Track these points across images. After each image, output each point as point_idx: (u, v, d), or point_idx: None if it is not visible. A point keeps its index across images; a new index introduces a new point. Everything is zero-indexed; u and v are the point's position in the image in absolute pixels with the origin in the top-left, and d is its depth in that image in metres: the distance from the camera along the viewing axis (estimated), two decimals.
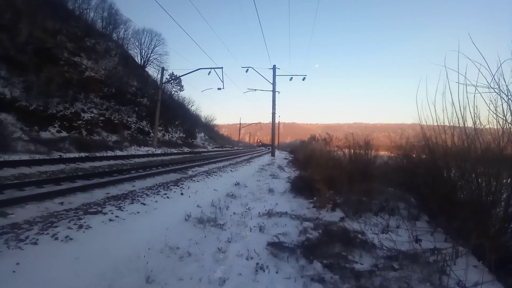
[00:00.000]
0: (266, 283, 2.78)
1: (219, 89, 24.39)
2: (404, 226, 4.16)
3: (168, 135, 33.57)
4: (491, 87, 3.35)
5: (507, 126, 3.35)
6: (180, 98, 45.81)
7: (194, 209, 5.16)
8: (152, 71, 39.90)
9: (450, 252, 3.06)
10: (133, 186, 7.04)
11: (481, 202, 3.41)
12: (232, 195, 6.97)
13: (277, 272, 3.01)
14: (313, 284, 2.73)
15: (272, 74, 25.83)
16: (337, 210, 5.56)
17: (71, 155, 12.59)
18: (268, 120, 28.94)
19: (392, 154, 7.82)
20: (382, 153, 8.90)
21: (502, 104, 3.36)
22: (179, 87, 44.67)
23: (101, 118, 21.87)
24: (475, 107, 3.62)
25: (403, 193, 5.97)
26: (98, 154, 14.29)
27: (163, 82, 29.76)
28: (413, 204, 5.44)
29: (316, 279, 2.78)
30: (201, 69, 23.83)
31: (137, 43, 38.36)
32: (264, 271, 3.04)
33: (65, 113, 18.32)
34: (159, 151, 21.41)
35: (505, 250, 3.02)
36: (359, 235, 3.77)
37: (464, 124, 3.85)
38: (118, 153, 16.77)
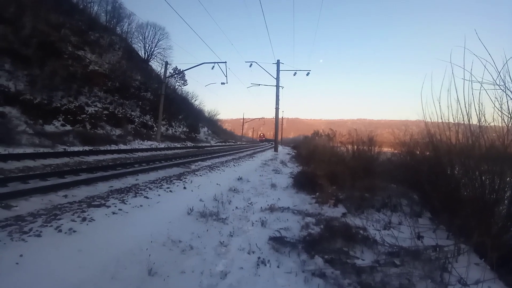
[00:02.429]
0: (267, 277, 2.80)
1: (222, 83, 24.42)
2: (406, 223, 4.15)
3: (172, 130, 33.64)
4: (497, 84, 3.31)
5: None
6: (183, 92, 45.81)
7: (197, 203, 5.18)
8: (155, 65, 39.77)
9: (452, 249, 3.05)
10: (136, 180, 7.08)
11: (484, 200, 3.39)
12: (234, 190, 6.98)
13: (278, 267, 3.02)
14: (314, 279, 2.74)
15: (276, 69, 25.75)
16: (339, 206, 5.56)
17: (75, 149, 12.67)
18: (272, 115, 28.87)
19: (396, 151, 7.79)
20: (385, 149, 8.86)
21: (507, 101, 3.32)
22: (182, 82, 44.59)
23: (105, 112, 21.93)
24: (480, 104, 3.58)
25: (405, 190, 5.96)
26: (102, 148, 14.37)
27: (167, 76, 29.78)
28: (415, 201, 5.43)
29: (317, 274, 2.79)
30: (204, 64, 23.81)
31: (141, 37, 38.12)
32: (265, 265, 3.05)
33: (69, 106, 18.37)
34: (162, 145, 21.48)
35: (507, 248, 3.01)
36: (361, 231, 3.77)
37: (469, 121, 3.82)
38: (122, 147, 16.85)
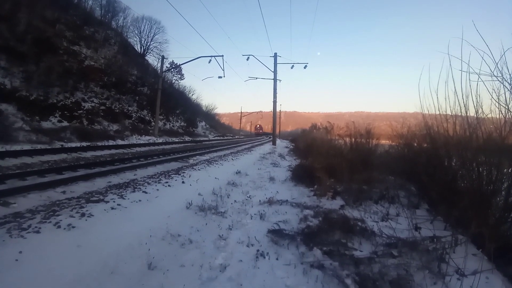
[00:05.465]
0: (266, 270, 2.82)
1: (220, 77, 24.25)
2: (404, 214, 4.18)
3: (169, 124, 33.56)
4: (494, 76, 3.29)
5: (510, 115, 3.32)
6: (180, 87, 45.54)
7: (196, 197, 5.19)
8: (152, 59, 39.48)
9: (449, 240, 3.08)
10: (134, 175, 7.07)
11: (482, 191, 3.40)
12: (233, 183, 7.00)
13: (277, 259, 3.05)
14: (312, 270, 2.76)
15: (273, 62, 25.60)
16: (338, 198, 5.59)
17: (73, 145, 12.62)
18: (270, 108, 28.80)
19: (394, 143, 7.80)
20: (383, 142, 8.87)
21: (505, 93, 3.30)
22: (179, 76, 44.28)
23: (102, 107, 21.82)
24: (478, 96, 3.57)
25: (403, 182, 5.99)
26: (99, 144, 14.34)
27: (164, 70, 29.56)
28: (413, 193, 5.46)
29: (316, 266, 2.81)
30: (201, 57, 23.61)
31: (136, 31, 37.75)
32: (264, 257, 3.07)
33: (66, 102, 18.27)
34: (160, 140, 21.43)
35: (504, 239, 3.02)
36: (359, 223, 3.79)
37: (466, 113, 3.81)
38: (119, 142, 16.80)
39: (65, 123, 16.61)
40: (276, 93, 25.74)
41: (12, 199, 4.39)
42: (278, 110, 31.51)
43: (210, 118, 58.80)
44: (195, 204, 4.76)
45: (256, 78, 27.72)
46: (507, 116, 3.34)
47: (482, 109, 3.60)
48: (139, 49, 38.31)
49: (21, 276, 2.29)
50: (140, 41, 38.35)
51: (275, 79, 25.63)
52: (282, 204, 5.28)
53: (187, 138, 29.60)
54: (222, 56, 22.97)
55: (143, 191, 5.00)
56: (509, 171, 3.39)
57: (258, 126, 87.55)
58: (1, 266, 2.34)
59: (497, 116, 3.52)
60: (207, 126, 50.30)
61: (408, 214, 3.99)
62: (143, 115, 27.99)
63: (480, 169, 3.55)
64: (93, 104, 20.95)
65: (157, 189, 5.30)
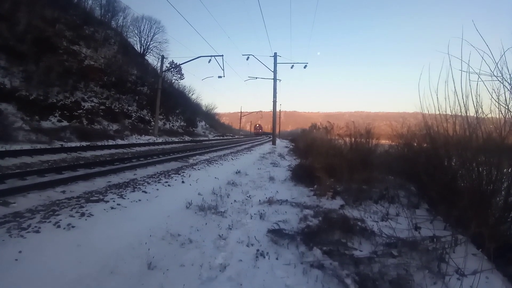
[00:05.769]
0: (266, 269, 2.82)
1: (219, 77, 24.27)
2: (403, 214, 4.18)
3: (169, 124, 33.55)
4: (494, 75, 3.29)
5: (510, 115, 3.32)
6: (180, 86, 45.50)
7: (195, 197, 5.19)
8: (152, 59, 39.46)
9: (449, 240, 3.08)
10: (134, 175, 7.07)
11: (482, 191, 3.40)
12: (233, 183, 6.99)
13: (277, 259, 3.05)
14: (312, 270, 2.76)
15: (273, 62, 25.61)
16: (337, 198, 5.59)
17: (73, 144, 12.61)
18: (269, 108, 28.79)
19: (393, 143, 7.80)
20: (383, 141, 8.87)
21: (504, 92, 3.30)
22: (179, 76, 44.25)
23: (102, 107, 21.80)
24: (478, 96, 3.56)
25: (403, 182, 5.98)
26: (99, 143, 14.33)
27: (163, 70, 29.55)
28: (413, 192, 5.46)
29: (316, 266, 2.81)
30: (201, 57, 23.61)
31: (136, 31, 37.71)
32: (264, 257, 3.07)
33: (66, 102, 18.25)
34: (160, 140, 21.42)
35: (504, 239, 3.02)
36: (359, 223, 3.79)
37: (466, 112, 3.81)
38: (119, 142, 16.78)
39: (64, 123, 16.61)
40: (276, 93, 25.75)
41: (11, 198, 4.38)
42: (278, 109, 31.55)
43: (210, 117, 58.79)
44: (195, 203, 4.76)
45: (256, 78, 27.75)
46: (507, 116, 3.34)
47: (482, 109, 3.60)
48: (139, 49, 38.30)
49: (21, 276, 2.29)
50: (140, 40, 38.37)
51: (275, 79, 25.64)
52: (282, 204, 5.28)
53: (187, 138, 29.61)
54: (222, 56, 23.03)
55: (143, 191, 5.00)
56: (509, 171, 3.39)
57: (257, 125, 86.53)
58: (1, 266, 2.33)
59: (497, 116, 3.52)
60: (207, 125, 50.32)
61: (408, 214, 3.99)
62: (143, 114, 27.97)
63: (480, 169, 3.55)
64: (92, 104, 20.94)
65: (157, 189, 5.29)
